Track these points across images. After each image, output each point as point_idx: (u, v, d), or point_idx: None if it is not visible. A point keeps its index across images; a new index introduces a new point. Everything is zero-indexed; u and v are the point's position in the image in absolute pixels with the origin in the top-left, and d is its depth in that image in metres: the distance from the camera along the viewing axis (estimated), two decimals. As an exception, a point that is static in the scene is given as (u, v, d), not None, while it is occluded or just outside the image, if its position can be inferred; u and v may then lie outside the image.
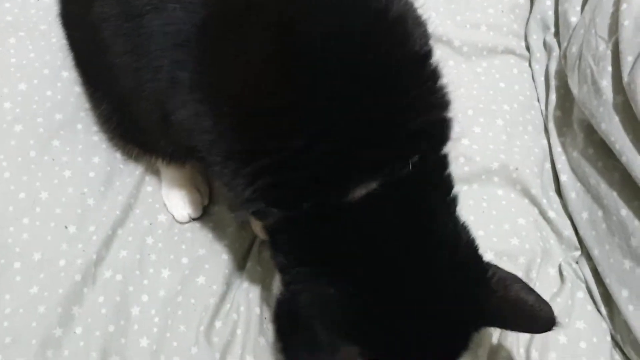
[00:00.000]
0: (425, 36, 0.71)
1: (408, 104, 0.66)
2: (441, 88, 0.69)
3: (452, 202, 0.72)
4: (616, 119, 0.86)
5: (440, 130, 0.70)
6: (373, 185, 0.65)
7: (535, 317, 0.68)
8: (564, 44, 1.05)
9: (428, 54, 0.70)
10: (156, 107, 0.74)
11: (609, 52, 0.89)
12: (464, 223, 0.72)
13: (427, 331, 0.66)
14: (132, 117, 0.86)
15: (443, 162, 0.72)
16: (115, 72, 0.79)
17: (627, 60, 0.84)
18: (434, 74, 0.69)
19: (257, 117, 0.64)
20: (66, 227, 0.92)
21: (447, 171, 0.72)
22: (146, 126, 0.84)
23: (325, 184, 0.65)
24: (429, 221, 0.68)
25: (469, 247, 0.71)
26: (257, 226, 0.97)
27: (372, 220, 0.66)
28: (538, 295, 0.68)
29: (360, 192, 0.65)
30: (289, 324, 0.70)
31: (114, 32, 0.75)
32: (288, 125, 0.64)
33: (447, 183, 0.72)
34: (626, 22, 0.86)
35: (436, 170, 0.71)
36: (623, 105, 0.86)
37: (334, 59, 0.64)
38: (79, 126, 1.02)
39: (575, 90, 0.97)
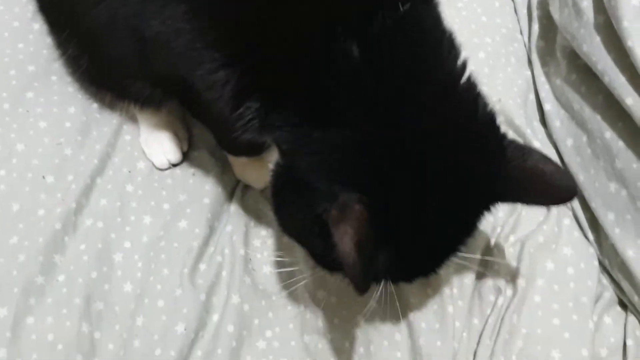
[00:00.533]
0: None
1: None
2: None
3: (458, 55, 0.68)
4: (597, 39, 0.84)
5: None
6: (369, 33, 0.62)
7: (555, 186, 0.66)
8: (545, -28, 1.03)
9: None
10: (131, 37, 0.73)
11: (588, -28, 0.87)
12: (480, 92, 0.68)
13: (433, 188, 0.63)
14: (102, 59, 0.84)
15: (437, 11, 0.69)
16: (81, 8, 0.77)
17: (607, -24, 0.81)
18: None
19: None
20: (44, 177, 0.91)
21: (444, 23, 0.69)
22: (119, 65, 0.82)
23: (316, 38, 0.62)
24: (434, 72, 0.65)
25: (487, 113, 0.67)
26: (238, 170, 0.96)
27: (372, 72, 0.62)
28: (557, 165, 0.66)
29: (356, 41, 0.62)
30: (287, 188, 0.69)
31: None
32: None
33: (447, 32, 0.68)
34: (605, -60, 0.83)
35: (433, 17, 0.68)
36: (604, 24, 0.84)
37: None
38: (53, 77, 1.01)
39: (556, 15, 0.95)
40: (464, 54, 0.68)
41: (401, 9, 0.63)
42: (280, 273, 0.89)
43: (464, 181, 0.64)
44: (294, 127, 0.65)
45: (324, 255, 0.68)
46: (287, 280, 0.87)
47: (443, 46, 0.66)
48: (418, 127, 0.63)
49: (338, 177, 0.62)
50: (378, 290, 0.69)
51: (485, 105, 0.68)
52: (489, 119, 0.68)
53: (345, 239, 0.58)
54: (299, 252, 0.87)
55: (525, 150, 0.67)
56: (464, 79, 0.67)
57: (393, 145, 0.62)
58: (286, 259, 0.88)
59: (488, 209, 0.69)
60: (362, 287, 0.61)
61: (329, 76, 0.62)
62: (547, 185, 0.65)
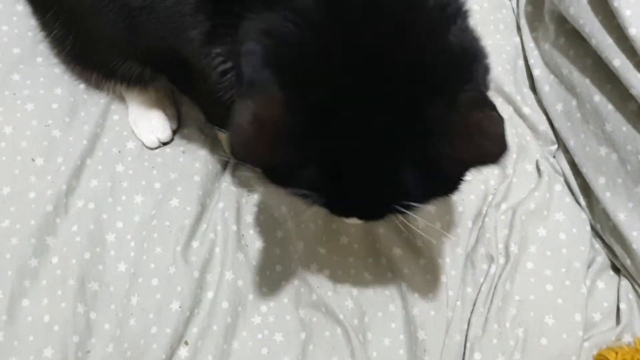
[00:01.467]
0: None
1: None
2: None
3: None
4: (584, 1, 0.84)
5: None
6: None
7: (487, 147, 0.57)
8: (532, -64, 1.02)
9: None
10: (119, 11, 0.72)
11: None
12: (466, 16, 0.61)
13: (369, 110, 0.57)
14: (89, 37, 0.84)
15: None
16: None
17: (593, -63, 0.80)
18: None
19: None
20: (33, 160, 0.90)
21: None
22: (106, 43, 0.82)
23: None
24: None
25: (457, 42, 0.59)
26: (227, 145, 0.96)
27: None
28: (493, 116, 0.57)
29: None
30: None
31: None
32: None
33: None
34: None
35: None
36: (590, -14, 0.83)
37: None
38: (39, 59, 1.00)
39: (544, -21, 0.94)
40: None
41: None
42: (273, 246, 0.89)
43: (406, 111, 0.57)
44: (239, 20, 0.60)
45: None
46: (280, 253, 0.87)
47: None
48: (368, 31, 0.57)
49: (273, 65, 0.56)
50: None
51: (466, 35, 0.61)
52: (462, 48, 0.59)
53: (243, 111, 0.54)
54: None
55: (480, 103, 0.58)
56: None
57: (335, 44, 0.56)
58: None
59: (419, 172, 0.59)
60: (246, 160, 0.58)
61: None
62: (480, 144, 0.56)
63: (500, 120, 0.57)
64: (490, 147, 0.57)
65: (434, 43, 0.58)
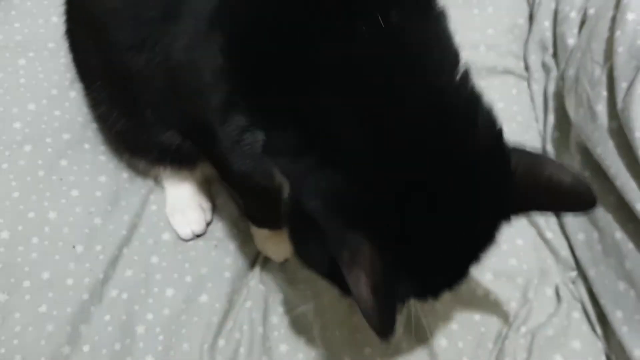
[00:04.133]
0: None
1: None
2: None
3: (464, 74, 0.65)
4: (611, 143, 0.88)
5: None
6: (367, 46, 0.61)
7: (572, 196, 0.65)
8: (562, 66, 1.07)
9: None
10: (159, 61, 0.75)
11: (604, 78, 0.91)
12: (482, 97, 0.66)
13: (441, 220, 0.61)
14: (134, 109, 0.87)
15: (444, 19, 0.68)
16: (115, 55, 0.81)
17: (621, 86, 0.85)
18: None
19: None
20: (74, 247, 0.94)
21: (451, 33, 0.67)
22: (150, 105, 0.84)
23: (311, 55, 0.61)
24: (436, 90, 0.62)
25: (488, 127, 0.65)
26: (259, 242, 0.99)
27: (370, 91, 0.60)
28: (573, 174, 0.64)
29: (355, 54, 0.61)
30: (298, 225, 0.69)
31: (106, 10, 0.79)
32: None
33: (451, 43, 0.67)
34: (620, 49, 0.88)
35: (437, 26, 0.66)
36: (617, 130, 0.87)
37: None
38: (86, 146, 1.05)
39: (572, 112, 0.98)
40: (462, 67, 0.66)
41: (381, 23, 0.61)
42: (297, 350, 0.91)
43: (474, 201, 0.62)
44: (295, 155, 0.63)
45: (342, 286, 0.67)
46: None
47: (434, 61, 0.64)
48: (418, 154, 0.60)
49: (344, 218, 0.60)
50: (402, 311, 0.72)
51: (489, 118, 0.66)
52: (492, 131, 0.65)
53: (360, 285, 0.57)
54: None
55: (539, 160, 0.66)
56: (463, 94, 0.65)
57: (395, 178, 0.60)
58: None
59: (505, 220, 0.67)
60: (383, 331, 0.59)
61: (320, 99, 0.61)
62: (565, 195, 0.64)
63: (562, 165, 0.66)
64: (587, 202, 0.66)
65: (475, 138, 0.63)
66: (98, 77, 0.91)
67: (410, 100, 0.61)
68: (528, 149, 0.67)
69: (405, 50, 0.62)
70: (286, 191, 0.70)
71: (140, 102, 0.84)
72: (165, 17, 0.72)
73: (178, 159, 0.93)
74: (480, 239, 0.66)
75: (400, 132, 0.60)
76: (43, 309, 0.89)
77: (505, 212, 0.66)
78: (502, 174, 0.64)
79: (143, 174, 1.03)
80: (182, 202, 1.01)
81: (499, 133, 0.65)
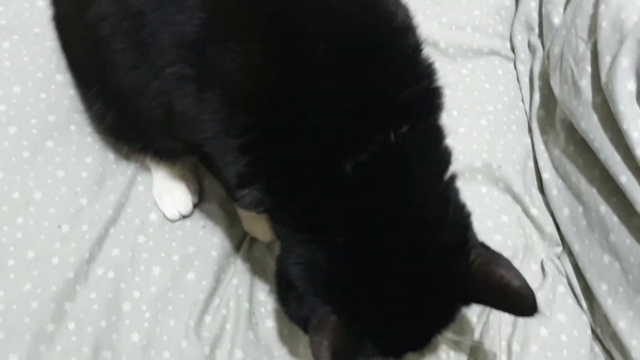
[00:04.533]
0: (406, 13, 0.75)
1: (395, 75, 0.69)
2: (426, 58, 0.73)
3: (444, 175, 0.73)
4: (595, 117, 0.89)
5: (428, 99, 0.73)
6: (363, 156, 0.67)
7: (518, 302, 0.71)
8: (547, 45, 1.08)
9: (410, 26, 0.73)
10: (160, 102, 0.77)
11: (588, 53, 0.91)
12: (458, 199, 0.74)
13: (405, 301, 0.69)
14: (127, 115, 0.88)
15: (437, 133, 0.74)
16: (111, 70, 0.81)
17: (605, 60, 0.86)
18: (417, 46, 0.72)
19: (254, 98, 0.68)
20: (59, 227, 0.94)
21: (443, 144, 0.74)
22: (143, 123, 0.86)
23: (317, 158, 0.67)
24: (415, 194, 0.69)
25: (455, 226, 0.72)
26: (246, 223, 1.00)
27: (361, 191, 0.68)
28: (523, 281, 0.70)
29: (351, 164, 0.67)
30: (284, 282, 0.76)
31: (112, 31, 0.78)
32: (281, 102, 0.67)
33: (441, 155, 0.74)
34: (604, 24, 0.88)
35: (427, 141, 0.72)
36: (601, 104, 0.88)
37: (322, 39, 0.67)
38: (72, 127, 1.04)
39: (556, 89, 0.99)
40: (451, 170, 0.74)
41: (392, 137, 0.68)
42: (282, 326, 0.91)
43: (432, 286, 0.70)
44: (288, 231, 0.73)
45: None
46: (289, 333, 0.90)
47: (430, 170, 0.72)
48: (391, 242, 0.69)
49: (318, 290, 0.70)
50: None
51: (458, 214, 0.73)
52: (457, 230, 0.73)
53: (321, 350, 0.65)
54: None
55: (495, 259, 0.72)
56: (444, 194, 0.73)
57: (366, 262, 0.69)
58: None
59: (463, 304, 0.75)
60: None
61: (321, 194, 0.68)
62: (510, 295, 0.70)
63: (512, 268, 0.72)
64: (520, 300, 0.71)
65: (443, 232, 0.71)
66: (94, 84, 0.92)
67: (397, 205, 0.69)
68: (491, 248, 0.75)
69: (397, 164, 0.70)
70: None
71: (136, 115, 0.85)
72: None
73: (165, 155, 0.95)
74: (440, 317, 0.74)
75: (385, 230, 0.69)
76: (27, 287, 0.88)
77: (462, 298, 0.73)
78: (461, 265, 0.71)
79: (127, 157, 1.03)
80: (169, 183, 1.01)
81: (465, 228, 0.73)
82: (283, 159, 0.68)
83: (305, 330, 0.74)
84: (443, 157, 0.74)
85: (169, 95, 0.74)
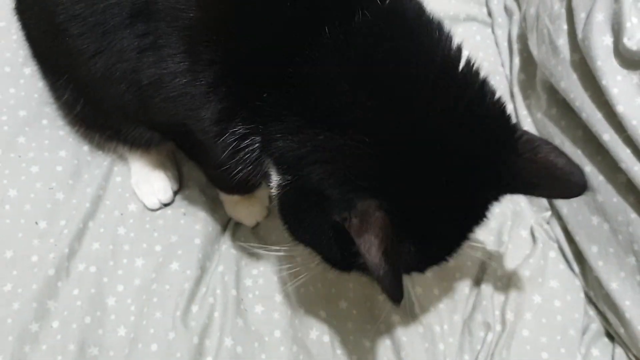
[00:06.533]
0: None
1: None
2: None
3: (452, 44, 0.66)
4: (574, 76, 0.87)
5: None
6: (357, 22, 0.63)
7: (564, 180, 0.65)
8: (524, 7, 1.06)
9: None
10: (128, 87, 0.75)
11: (563, 11, 0.89)
12: (485, 78, 0.66)
13: (445, 181, 0.61)
14: (99, 105, 0.86)
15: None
16: (76, 58, 0.78)
17: (580, 17, 0.84)
18: None
19: (211, 26, 0.65)
20: (37, 223, 0.92)
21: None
22: (116, 111, 0.84)
23: (301, 27, 0.63)
24: (445, 66, 0.63)
25: (496, 102, 0.65)
26: (229, 208, 0.98)
27: (367, 61, 0.62)
28: (569, 159, 0.65)
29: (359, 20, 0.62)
30: (297, 204, 0.68)
31: (69, 15, 0.75)
32: (240, 17, 0.64)
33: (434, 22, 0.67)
34: (578, -20, 0.86)
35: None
36: (580, 62, 0.86)
37: None
38: (44, 121, 1.02)
39: (534, 51, 0.97)
40: (456, 39, 0.67)
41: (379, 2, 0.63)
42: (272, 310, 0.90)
43: (474, 173, 0.63)
44: (297, 133, 0.64)
45: (340, 259, 0.68)
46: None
47: (433, 32, 0.65)
48: (424, 121, 0.61)
49: (352, 183, 0.61)
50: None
51: (492, 92, 0.66)
52: (498, 107, 0.66)
53: (372, 250, 0.57)
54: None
55: (537, 142, 0.66)
56: (462, 64, 0.65)
57: (401, 142, 0.61)
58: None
59: (497, 199, 0.68)
60: (396, 295, 0.60)
61: (322, 75, 0.62)
62: (557, 178, 0.64)
63: (558, 149, 0.66)
64: (577, 188, 0.65)
65: (481, 109, 0.64)
66: (62, 73, 0.88)
67: (416, 70, 0.62)
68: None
69: (404, 28, 0.64)
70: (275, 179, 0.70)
71: (107, 101, 0.83)
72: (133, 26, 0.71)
73: (140, 144, 0.92)
74: (476, 210, 0.67)
75: (402, 101, 0.61)
76: (8, 287, 0.86)
77: (499, 192, 0.67)
78: (505, 154, 0.64)
79: (100, 146, 1.00)
80: (146, 172, 0.99)
81: (504, 114, 0.66)
82: (257, 60, 0.63)
83: (322, 250, 0.69)
84: (437, 22, 0.67)
85: (135, 74, 0.72)
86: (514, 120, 0.67)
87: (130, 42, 0.71)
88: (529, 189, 0.69)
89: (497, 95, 0.66)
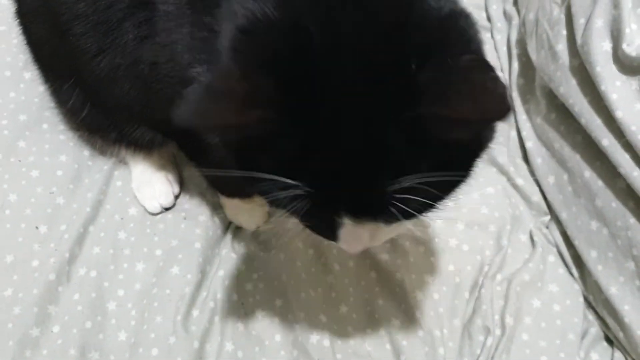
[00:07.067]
0: None
1: None
2: None
3: None
4: (573, 81, 0.87)
5: None
6: None
7: (486, 100, 0.50)
8: (523, 12, 1.06)
9: None
10: (133, 83, 0.75)
11: (562, 16, 0.90)
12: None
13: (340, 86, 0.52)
14: (104, 106, 0.86)
15: None
16: (79, 58, 0.78)
17: (580, 22, 0.84)
18: None
19: None
20: (37, 228, 0.92)
21: None
22: (122, 111, 0.83)
23: None
24: None
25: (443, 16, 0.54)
26: (230, 212, 0.98)
27: None
28: (495, 77, 0.50)
29: None
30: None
31: (72, 15, 0.74)
32: None
33: None
34: (577, -15, 0.87)
35: None
36: (579, 67, 0.87)
37: None
38: (45, 126, 1.02)
39: (534, 56, 0.97)
40: None
41: None
42: (273, 315, 0.90)
43: (376, 82, 0.52)
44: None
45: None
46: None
47: None
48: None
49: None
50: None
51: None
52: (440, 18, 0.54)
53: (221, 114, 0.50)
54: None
55: (457, 52, 0.53)
56: None
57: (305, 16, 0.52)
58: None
59: (408, 124, 0.51)
60: (227, 188, 0.57)
61: None
62: (477, 96, 0.50)
63: (502, 82, 0.51)
64: (493, 104, 0.50)
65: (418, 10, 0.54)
66: (68, 77, 0.87)
67: None
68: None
69: None
70: None
71: (112, 101, 0.82)
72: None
73: (143, 145, 0.92)
74: (381, 151, 0.52)
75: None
76: (8, 292, 0.86)
77: (406, 108, 0.51)
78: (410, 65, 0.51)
79: (102, 151, 1.00)
80: (148, 175, 0.99)
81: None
82: None
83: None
84: None
85: (136, 65, 0.72)
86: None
87: (131, 34, 0.70)
88: (441, 104, 0.51)
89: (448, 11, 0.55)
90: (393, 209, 0.54)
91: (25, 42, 0.94)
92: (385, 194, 0.53)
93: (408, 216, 0.56)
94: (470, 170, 0.60)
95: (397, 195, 0.53)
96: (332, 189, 0.54)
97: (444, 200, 0.58)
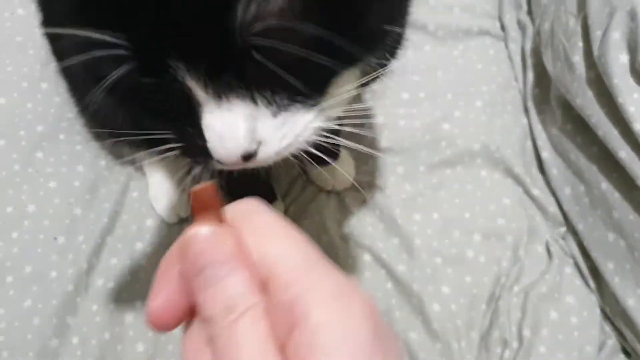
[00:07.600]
0: None
1: None
2: None
3: None
4: (590, 93, 0.87)
5: None
6: None
7: None
8: (537, 22, 1.06)
9: None
10: None
11: (578, 28, 0.90)
12: None
13: None
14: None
15: None
16: None
17: (596, 34, 0.84)
18: None
19: None
20: (55, 239, 0.92)
21: None
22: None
23: None
24: None
25: None
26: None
27: None
28: None
29: None
30: None
31: None
32: None
33: None
34: (594, -3, 0.87)
35: None
36: (596, 79, 0.87)
37: None
38: (61, 136, 1.03)
39: (550, 67, 0.97)
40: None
41: None
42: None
43: None
44: None
45: None
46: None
47: None
48: None
49: None
50: None
51: None
52: None
53: None
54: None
55: None
56: None
57: None
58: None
59: None
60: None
61: None
62: None
63: None
64: None
65: None
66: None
67: None
68: None
69: None
70: None
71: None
72: None
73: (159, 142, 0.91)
74: None
75: None
76: (28, 303, 0.87)
77: None
78: None
79: (117, 161, 1.01)
80: (165, 185, 0.99)
81: None
82: None
83: None
84: None
85: None
86: None
87: None
88: None
89: None
90: (253, 66, 0.41)
91: (51, 51, 0.94)
92: (234, 31, 0.39)
93: (276, 86, 0.44)
94: (358, 59, 0.47)
95: (255, 40, 0.40)
96: (159, 35, 0.40)
97: (317, 94, 0.47)
